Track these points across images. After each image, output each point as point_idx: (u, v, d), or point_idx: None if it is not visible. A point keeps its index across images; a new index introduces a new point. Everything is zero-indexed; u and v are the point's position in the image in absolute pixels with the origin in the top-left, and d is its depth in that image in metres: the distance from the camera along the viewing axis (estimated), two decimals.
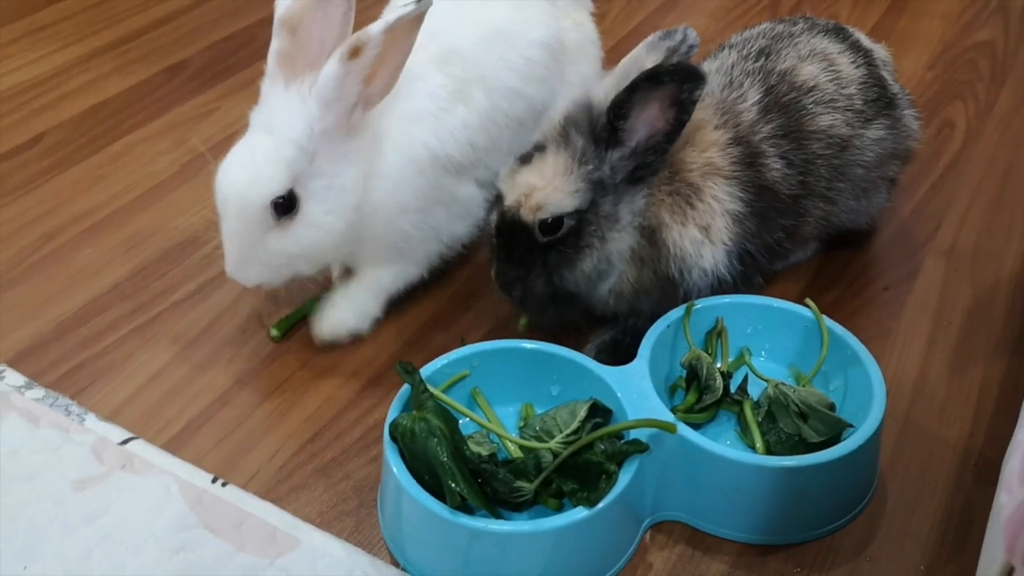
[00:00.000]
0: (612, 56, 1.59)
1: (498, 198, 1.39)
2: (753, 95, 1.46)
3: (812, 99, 1.47)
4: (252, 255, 1.38)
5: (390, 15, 1.31)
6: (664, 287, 1.40)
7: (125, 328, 1.54)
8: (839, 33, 1.57)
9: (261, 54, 2.25)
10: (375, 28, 1.29)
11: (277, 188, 1.33)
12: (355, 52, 1.30)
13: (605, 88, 1.36)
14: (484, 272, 1.63)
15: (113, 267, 1.65)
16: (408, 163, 1.43)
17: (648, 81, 1.28)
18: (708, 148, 1.40)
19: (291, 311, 1.54)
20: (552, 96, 1.57)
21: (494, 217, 1.38)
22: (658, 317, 1.39)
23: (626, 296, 1.41)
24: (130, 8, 2.50)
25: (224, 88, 2.17)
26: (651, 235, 1.37)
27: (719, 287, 1.42)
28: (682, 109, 1.30)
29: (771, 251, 1.46)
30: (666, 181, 1.38)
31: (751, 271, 1.45)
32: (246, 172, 1.34)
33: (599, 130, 1.32)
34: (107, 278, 1.63)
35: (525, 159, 1.37)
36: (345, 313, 1.52)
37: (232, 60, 2.28)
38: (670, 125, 1.32)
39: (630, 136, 1.32)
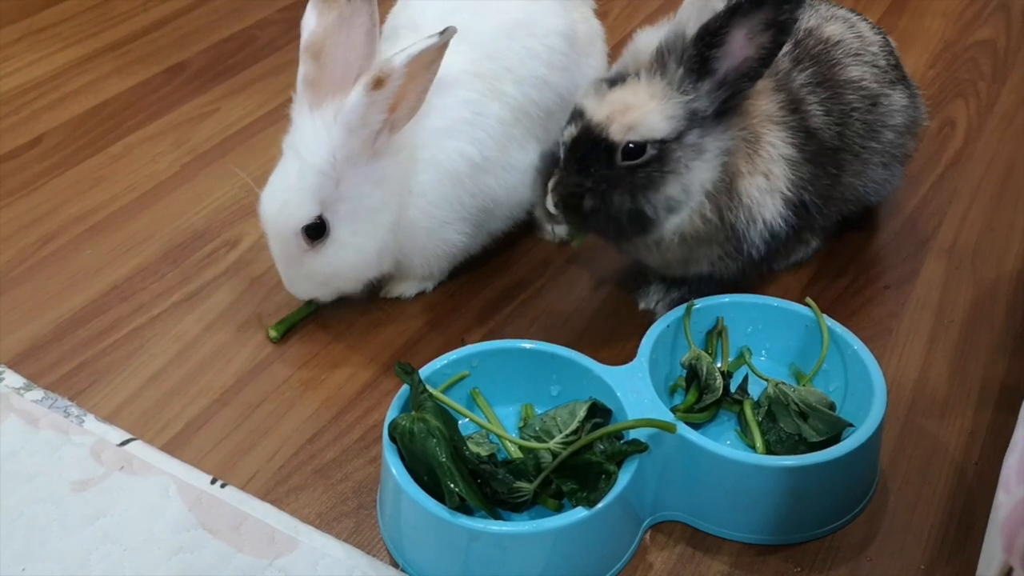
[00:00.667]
0: (615, 55, 1.59)
1: (578, 113, 1.36)
2: (783, 47, 1.46)
3: (840, 51, 1.51)
4: (296, 274, 1.47)
5: (414, 46, 1.32)
6: (725, 242, 1.41)
7: (124, 329, 1.53)
8: (851, 10, 1.63)
9: (261, 55, 2.29)
10: (398, 60, 1.31)
11: (305, 216, 1.40)
12: (379, 83, 1.32)
13: (689, 22, 1.34)
14: (484, 273, 1.63)
15: (112, 268, 1.65)
16: (444, 177, 1.46)
17: (750, 4, 1.27)
18: (759, 95, 1.41)
19: (290, 312, 1.54)
20: (574, 87, 1.56)
21: (571, 130, 1.35)
22: (709, 279, 1.47)
23: (688, 241, 1.40)
24: (130, 9, 2.49)
25: (224, 89, 2.17)
26: (730, 182, 1.37)
27: (772, 243, 1.42)
28: (781, 31, 1.29)
29: (823, 198, 1.47)
30: (741, 127, 1.38)
31: (803, 225, 1.46)
32: (277, 200, 1.41)
33: (690, 61, 1.31)
34: (106, 279, 1.63)
35: (614, 82, 1.36)
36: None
37: (232, 61, 2.28)
38: (763, 50, 1.31)
39: (720, 65, 1.31)
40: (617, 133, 1.32)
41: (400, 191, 1.44)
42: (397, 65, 1.31)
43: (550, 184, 1.36)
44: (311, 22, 1.40)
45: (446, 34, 1.33)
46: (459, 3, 1.50)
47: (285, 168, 1.42)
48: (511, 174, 1.50)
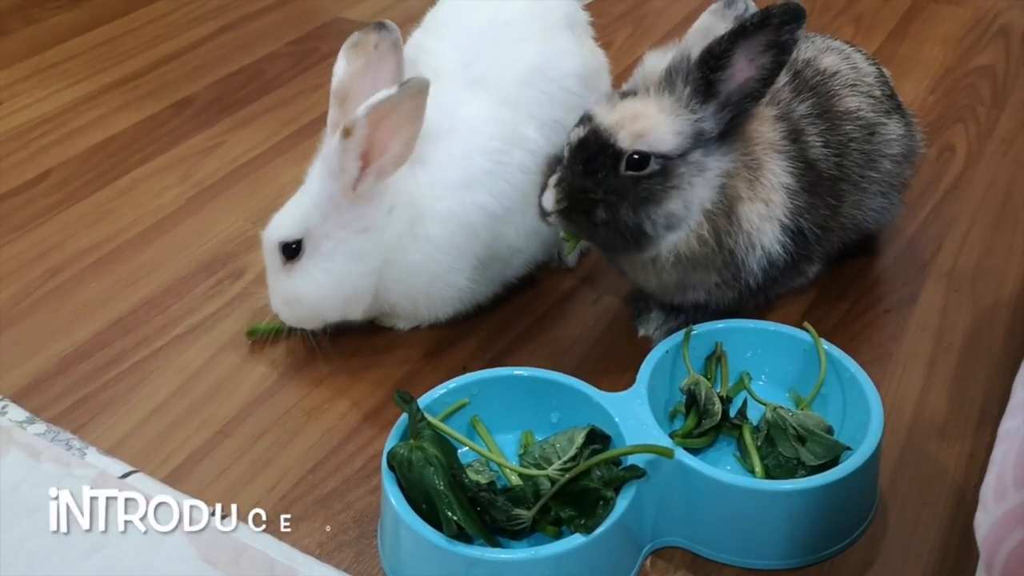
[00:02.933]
0: (618, 85, 1.60)
1: (587, 117, 1.38)
2: (782, 78, 1.47)
3: (837, 82, 1.52)
4: (271, 285, 1.51)
5: (374, 97, 1.35)
6: (723, 269, 1.42)
7: (128, 362, 1.54)
8: (846, 42, 1.64)
9: (268, 88, 2.31)
10: (360, 111, 1.35)
11: (285, 233, 1.46)
12: (347, 133, 1.36)
13: (694, 46, 1.35)
14: (486, 302, 1.64)
15: (117, 301, 1.66)
16: (459, 229, 1.46)
17: (754, 26, 1.29)
18: (763, 122, 1.43)
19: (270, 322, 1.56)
20: None
21: (579, 131, 1.37)
22: (705, 308, 1.48)
23: (684, 263, 1.41)
24: (139, 45, 2.52)
25: (232, 122, 2.19)
26: (729, 206, 1.38)
27: (770, 271, 1.44)
28: (782, 50, 1.31)
29: (822, 228, 1.48)
30: (743, 152, 1.39)
31: (802, 253, 1.47)
32: (278, 214, 1.48)
33: (696, 82, 1.33)
34: (111, 312, 1.64)
35: (626, 95, 1.38)
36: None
37: (239, 95, 2.30)
38: (765, 70, 1.32)
39: (724, 87, 1.33)
40: (625, 140, 1.33)
41: (388, 244, 1.46)
42: (359, 116, 1.35)
43: (551, 180, 1.38)
44: (340, 69, 1.45)
45: (406, 87, 1.35)
46: (479, 52, 1.51)
47: (299, 190, 1.48)
48: (530, 219, 1.49)
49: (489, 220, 1.48)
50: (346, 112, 1.42)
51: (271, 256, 1.48)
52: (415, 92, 1.37)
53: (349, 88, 1.45)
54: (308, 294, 1.47)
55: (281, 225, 1.46)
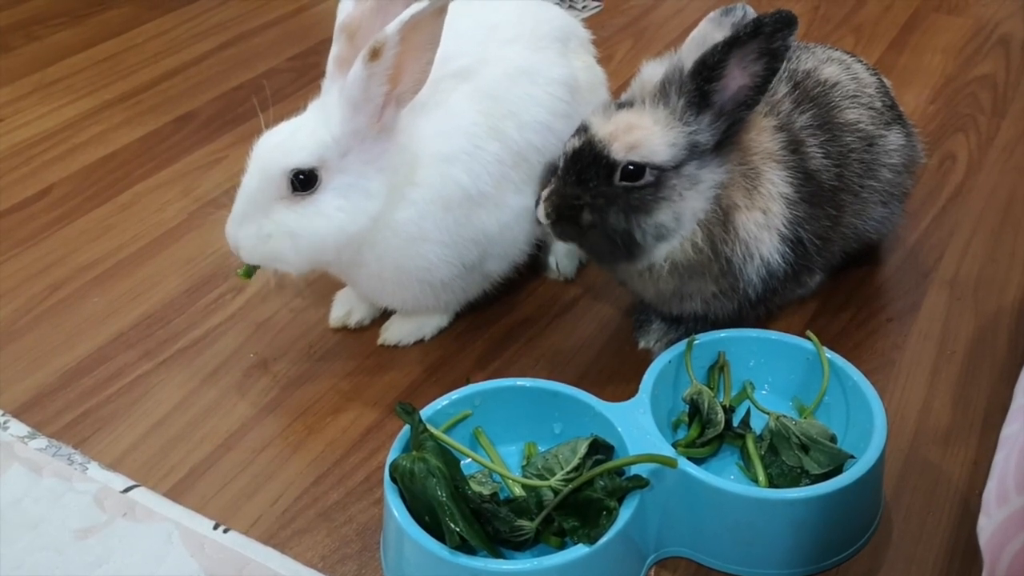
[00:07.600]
0: (619, 97, 1.61)
1: (583, 128, 1.39)
2: (782, 88, 1.49)
3: (838, 93, 1.53)
4: (253, 216, 1.42)
5: (405, 13, 1.31)
6: (720, 278, 1.42)
7: (130, 376, 1.54)
8: (847, 52, 1.64)
9: (270, 103, 2.30)
10: (391, 28, 1.31)
11: (302, 160, 1.37)
12: (375, 54, 1.32)
13: (688, 57, 1.36)
14: (488, 313, 1.64)
15: (119, 316, 1.66)
16: (436, 199, 1.45)
17: (747, 35, 1.29)
18: (761, 132, 1.43)
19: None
20: None
21: (574, 142, 1.38)
22: (704, 319, 1.47)
23: (679, 270, 1.41)
24: (141, 61, 2.53)
25: (233, 136, 2.19)
26: (725, 215, 1.39)
27: (770, 281, 1.43)
28: (774, 57, 1.31)
29: (822, 239, 1.47)
30: (739, 161, 1.40)
31: (801, 264, 1.47)
32: (281, 139, 1.40)
33: (690, 94, 1.33)
34: (112, 327, 1.64)
35: (622, 106, 1.39)
36: (410, 323, 1.61)
37: (240, 109, 2.30)
38: (758, 78, 1.33)
39: (718, 97, 1.34)
40: (619, 152, 1.34)
41: (395, 189, 1.43)
42: (390, 33, 1.31)
43: (544, 193, 1.39)
44: (348, 5, 1.41)
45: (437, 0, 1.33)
46: (464, 47, 1.51)
47: (303, 118, 1.42)
48: (505, 212, 1.50)
49: (465, 199, 1.46)
50: (355, 49, 1.37)
51: (267, 184, 1.39)
52: (441, 8, 1.34)
53: (359, 25, 1.40)
54: (314, 230, 1.40)
55: (295, 149, 1.37)
